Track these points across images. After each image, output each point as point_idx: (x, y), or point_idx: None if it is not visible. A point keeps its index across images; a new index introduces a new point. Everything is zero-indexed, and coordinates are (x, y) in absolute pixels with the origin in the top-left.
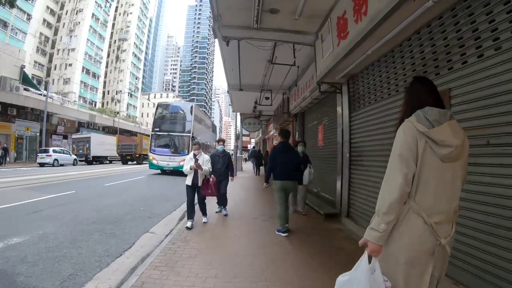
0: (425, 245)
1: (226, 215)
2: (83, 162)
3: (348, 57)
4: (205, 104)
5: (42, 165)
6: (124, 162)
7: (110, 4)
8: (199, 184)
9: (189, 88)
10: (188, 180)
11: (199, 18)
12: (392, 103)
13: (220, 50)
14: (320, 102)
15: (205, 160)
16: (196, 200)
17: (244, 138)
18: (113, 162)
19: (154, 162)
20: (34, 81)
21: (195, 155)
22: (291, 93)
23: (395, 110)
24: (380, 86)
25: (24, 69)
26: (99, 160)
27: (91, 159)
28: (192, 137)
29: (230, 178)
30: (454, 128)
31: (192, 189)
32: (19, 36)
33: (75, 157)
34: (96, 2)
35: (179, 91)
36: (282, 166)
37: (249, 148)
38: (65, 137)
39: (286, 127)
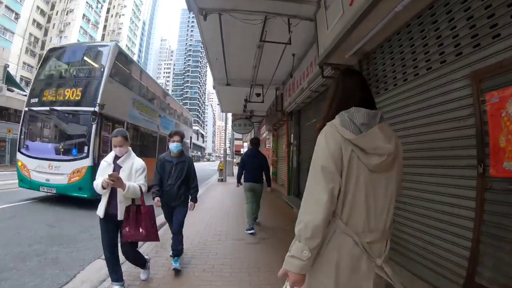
0: (359, 269)
1: (178, 271)
2: None
3: (366, 20)
4: (198, 108)
5: None
6: None
7: (102, 5)
8: (120, 216)
9: (182, 92)
10: (100, 209)
11: (192, 21)
12: (421, 86)
13: (200, 33)
14: (321, 95)
15: (134, 169)
16: (128, 246)
17: (237, 142)
18: None
19: (25, 174)
20: (23, 83)
21: (116, 158)
22: (285, 88)
23: (425, 96)
24: (402, 65)
25: (8, 69)
26: None
27: None
28: (106, 117)
29: (190, 204)
30: (385, 132)
31: (109, 225)
32: (6, 36)
33: None
34: (87, 2)
35: (172, 94)
36: (250, 170)
37: (242, 152)
38: None
39: (280, 127)
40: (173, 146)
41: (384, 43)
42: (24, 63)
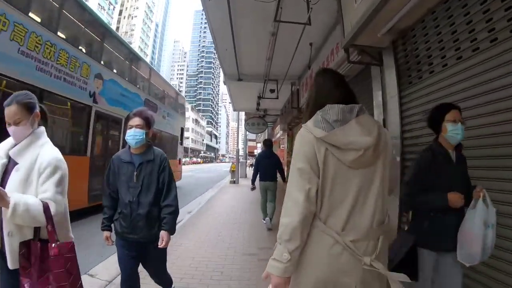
0: (340, 267)
1: None
2: None
3: None
4: (211, 109)
5: None
6: None
7: (114, 7)
8: (10, 262)
9: (196, 93)
10: None
11: (205, 23)
12: (484, 63)
13: (207, 19)
14: None
15: (36, 169)
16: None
17: (250, 143)
18: None
19: None
20: None
21: (13, 147)
22: (301, 83)
23: (491, 75)
24: (454, 40)
25: None
26: None
27: None
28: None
29: (161, 235)
30: (364, 124)
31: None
32: None
33: None
34: (99, 4)
35: (185, 96)
36: (264, 170)
37: (255, 153)
38: None
39: (295, 126)
40: (130, 135)
41: (426, 17)
42: None
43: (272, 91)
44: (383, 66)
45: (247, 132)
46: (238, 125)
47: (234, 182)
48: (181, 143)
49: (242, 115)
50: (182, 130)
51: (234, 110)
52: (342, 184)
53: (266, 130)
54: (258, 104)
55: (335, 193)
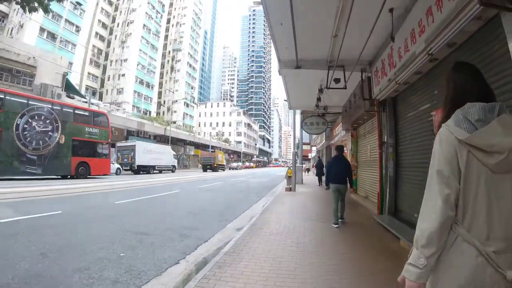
0: (483, 281)
1: None
2: (129, 171)
3: None
4: (263, 113)
5: None
6: (204, 170)
7: (162, 15)
8: None
9: (247, 98)
10: None
11: (253, 28)
12: None
13: None
14: (441, 65)
15: None
16: None
17: (305, 147)
18: (163, 171)
19: None
20: (88, 92)
21: None
22: (374, 70)
23: None
24: None
25: (67, 76)
26: (146, 169)
27: (136, 168)
28: None
29: None
30: (506, 124)
31: None
32: (69, 47)
33: (118, 166)
34: (146, 13)
35: (237, 101)
36: (336, 173)
37: (309, 157)
38: (113, 145)
39: (363, 124)
40: None
41: None
42: (89, 73)
43: (337, 80)
44: None
45: (303, 132)
46: (294, 125)
47: (290, 189)
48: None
49: (298, 116)
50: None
51: (290, 108)
52: (485, 189)
53: (326, 130)
54: (319, 99)
55: (478, 199)
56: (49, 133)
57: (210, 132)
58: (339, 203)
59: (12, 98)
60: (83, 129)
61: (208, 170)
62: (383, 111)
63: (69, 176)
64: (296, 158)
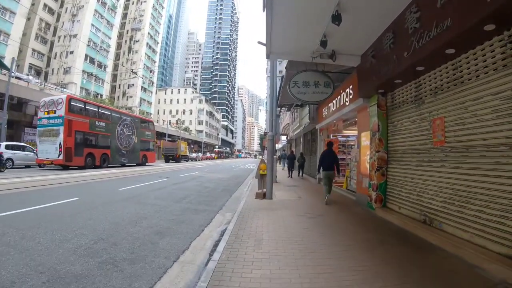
0: None
1: None
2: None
3: None
4: (227, 103)
5: None
6: (167, 161)
7: None
8: None
9: (211, 86)
10: None
11: (220, 14)
12: None
13: None
14: None
15: None
16: None
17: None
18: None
19: None
20: (32, 71)
21: None
22: None
23: None
24: None
25: None
26: None
27: None
28: None
29: None
30: None
31: None
32: (6, 16)
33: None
34: None
35: (200, 89)
36: (327, 163)
37: (276, 148)
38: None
39: (406, 84)
40: None
41: None
42: (33, 50)
43: None
44: None
45: (274, 114)
46: (273, 87)
47: (264, 196)
48: None
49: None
50: None
51: (268, 56)
52: None
53: (332, 93)
54: (325, 36)
55: None
56: (131, 136)
57: (170, 120)
58: (328, 185)
59: (113, 114)
60: (143, 132)
61: (170, 161)
62: None
63: (135, 164)
64: (276, 148)
